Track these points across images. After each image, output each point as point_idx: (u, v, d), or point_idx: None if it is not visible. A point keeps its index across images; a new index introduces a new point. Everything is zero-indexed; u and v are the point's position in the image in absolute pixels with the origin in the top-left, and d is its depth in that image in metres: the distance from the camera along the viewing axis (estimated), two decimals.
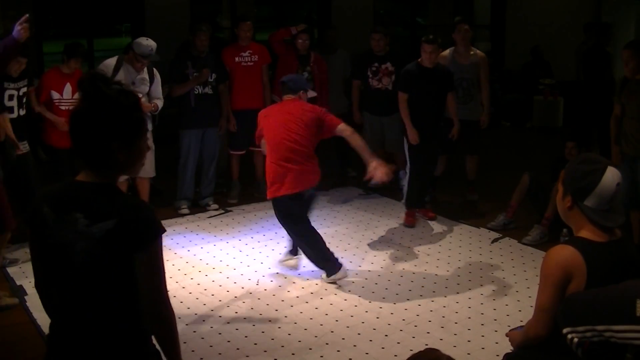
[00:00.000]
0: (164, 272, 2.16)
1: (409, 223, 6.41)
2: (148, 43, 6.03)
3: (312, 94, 5.51)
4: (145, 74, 6.18)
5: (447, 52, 6.88)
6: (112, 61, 6.14)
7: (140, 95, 6.04)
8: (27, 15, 4.57)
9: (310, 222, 5.22)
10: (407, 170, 6.54)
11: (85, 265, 2.06)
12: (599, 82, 8.19)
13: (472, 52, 6.83)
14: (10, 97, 5.60)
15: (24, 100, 5.73)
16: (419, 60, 6.29)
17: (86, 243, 2.05)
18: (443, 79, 6.32)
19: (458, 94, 6.75)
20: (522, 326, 2.83)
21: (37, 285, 2.23)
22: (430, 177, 6.78)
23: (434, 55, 6.19)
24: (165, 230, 2.14)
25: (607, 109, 8.30)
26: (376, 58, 7.19)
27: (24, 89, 5.72)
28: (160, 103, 6.29)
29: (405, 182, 7.57)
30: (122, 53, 7.02)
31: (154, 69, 6.28)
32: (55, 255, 2.10)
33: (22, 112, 5.72)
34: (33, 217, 2.15)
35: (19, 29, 4.53)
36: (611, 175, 2.51)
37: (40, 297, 2.24)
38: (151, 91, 6.25)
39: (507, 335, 2.87)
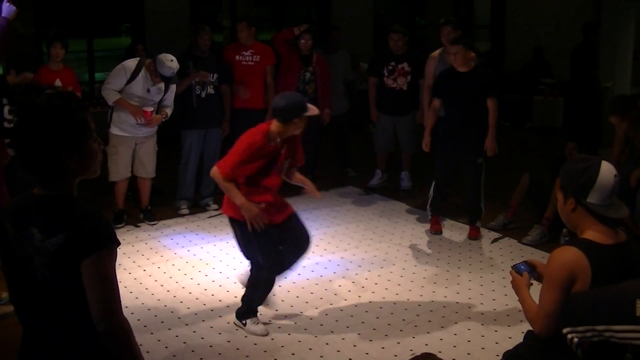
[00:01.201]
0: (113, 286, 2.03)
1: (434, 230, 6.24)
2: (171, 65, 5.89)
3: (313, 111, 4.42)
4: (161, 84, 6.14)
5: (436, 52, 6.87)
6: (132, 64, 6.05)
7: (151, 109, 6.07)
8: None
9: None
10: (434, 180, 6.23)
11: (46, 279, 2.02)
12: (584, 81, 8.21)
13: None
14: (11, 112, 5.47)
15: None
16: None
17: (43, 258, 2.01)
18: (479, 83, 5.85)
19: None
20: (525, 262, 2.80)
21: (10, 296, 2.20)
22: (473, 184, 6.19)
23: (460, 57, 5.78)
24: (119, 243, 2.05)
25: (592, 108, 8.36)
26: (394, 57, 7.19)
27: None
28: (169, 111, 6.29)
29: (406, 183, 7.59)
30: (124, 54, 7.02)
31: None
32: (19, 270, 2.07)
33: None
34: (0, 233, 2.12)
35: (8, 4, 4.52)
36: (607, 168, 2.52)
37: (14, 307, 2.20)
38: (163, 99, 6.23)
39: (510, 273, 2.79)
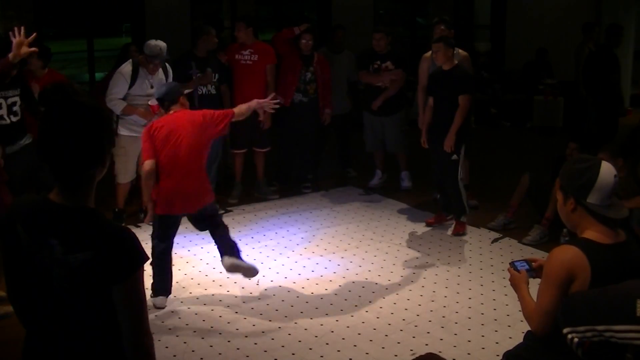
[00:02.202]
0: (144, 301, 2.04)
1: (427, 222, 6.41)
2: (157, 43, 6.01)
3: (188, 87, 5.44)
4: (161, 74, 6.22)
5: (429, 53, 6.88)
6: (128, 69, 6.10)
7: (156, 102, 6.07)
8: (35, 34, 4.62)
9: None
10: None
11: (63, 291, 1.95)
12: (603, 84, 8.15)
13: (454, 51, 6.81)
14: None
15: (15, 108, 5.46)
16: None
17: (63, 271, 1.93)
18: (455, 82, 5.98)
19: None
20: (525, 260, 2.80)
21: (10, 296, 2.09)
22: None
23: (441, 55, 5.95)
24: (148, 258, 2.01)
25: (611, 112, 8.32)
26: (377, 57, 7.20)
27: (14, 99, 5.46)
28: None
29: (406, 183, 7.60)
30: (119, 54, 7.03)
31: (166, 64, 6.33)
32: (32, 275, 1.97)
33: (15, 119, 5.45)
34: (6, 231, 2.00)
35: (17, 49, 4.53)
36: (607, 169, 2.52)
37: (14, 307, 2.10)
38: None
39: (508, 270, 2.79)
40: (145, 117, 6.07)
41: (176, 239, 6.06)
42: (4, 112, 5.44)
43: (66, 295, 1.96)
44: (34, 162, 5.66)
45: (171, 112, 4.95)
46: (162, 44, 6.04)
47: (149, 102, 6.06)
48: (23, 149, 5.56)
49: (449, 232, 6.25)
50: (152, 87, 6.09)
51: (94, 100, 1.97)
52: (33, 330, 2.07)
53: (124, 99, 6.07)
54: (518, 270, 2.75)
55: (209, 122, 4.87)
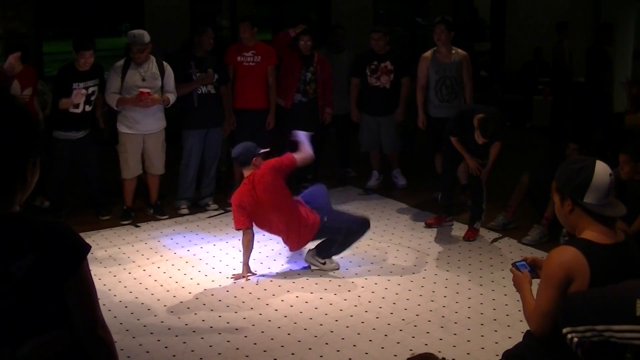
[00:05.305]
0: (95, 294, 1.92)
1: (427, 223, 6.41)
2: (133, 32, 6.29)
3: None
4: (155, 69, 6.31)
5: (428, 52, 6.88)
6: (120, 63, 6.33)
7: (147, 90, 6.19)
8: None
9: None
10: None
11: (7, 312, 1.77)
12: (597, 82, 8.18)
13: (453, 51, 6.80)
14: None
15: (92, 98, 6.21)
16: None
17: (4, 288, 1.75)
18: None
19: (442, 92, 6.73)
20: (524, 260, 2.77)
21: None
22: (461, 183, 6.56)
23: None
24: (90, 247, 1.88)
25: (605, 110, 8.34)
26: (376, 57, 7.21)
27: (93, 88, 6.19)
28: (172, 97, 6.39)
29: (401, 181, 7.62)
30: (124, 53, 7.11)
31: (164, 63, 6.41)
32: None
33: (88, 108, 6.20)
34: None
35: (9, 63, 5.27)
36: (602, 168, 2.52)
37: None
38: (164, 84, 6.35)
39: (511, 271, 2.77)
40: (135, 104, 6.20)
41: (176, 239, 6.10)
42: (80, 100, 6.13)
43: (11, 319, 1.79)
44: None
45: (245, 174, 5.22)
46: (137, 31, 6.29)
47: (140, 89, 6.14)
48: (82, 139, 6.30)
49: (452, 232, 6.25)
50: (143, 79, 6.23)
51: (19, 101, 1.85)
52: None
53: (121, 93, 6.23)
54: (520, 271, 2.75)
55: (278, 171, 5.18)
